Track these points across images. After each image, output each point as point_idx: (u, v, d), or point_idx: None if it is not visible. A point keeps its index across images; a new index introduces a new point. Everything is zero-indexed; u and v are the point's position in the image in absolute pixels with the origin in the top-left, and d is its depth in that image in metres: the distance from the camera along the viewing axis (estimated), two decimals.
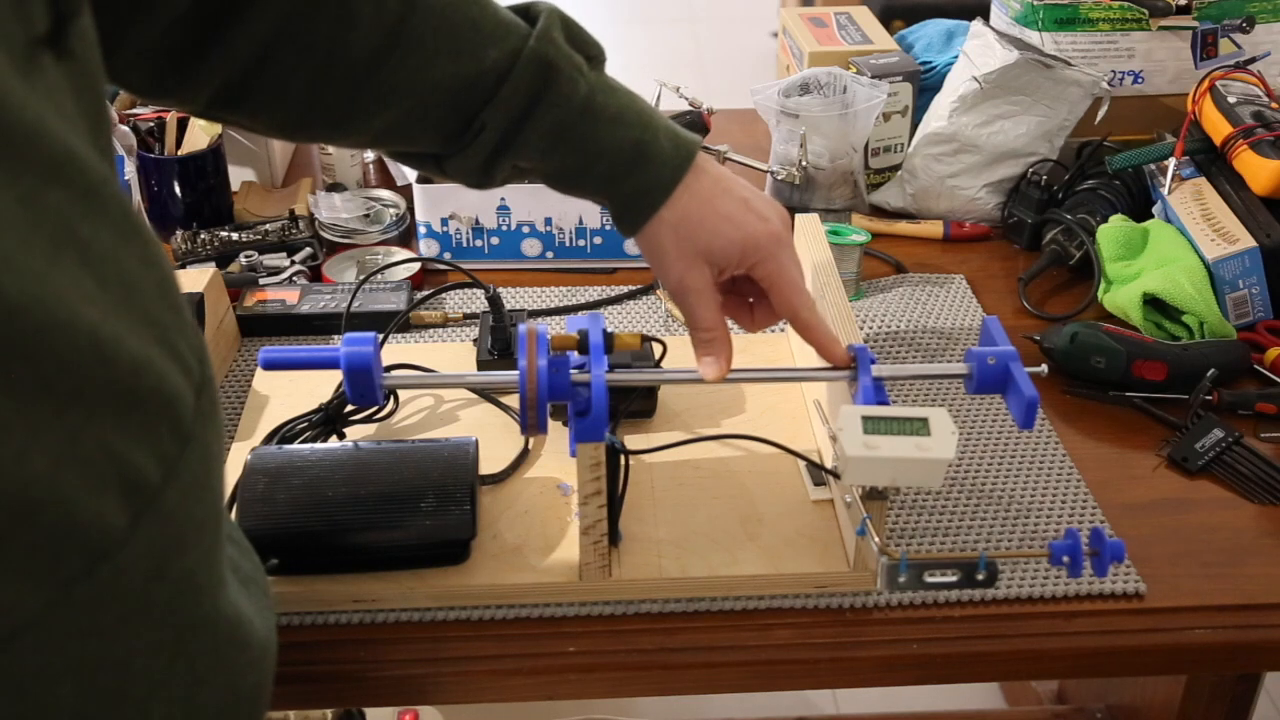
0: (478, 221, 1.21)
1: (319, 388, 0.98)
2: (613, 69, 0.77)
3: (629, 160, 0.75)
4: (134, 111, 1.31)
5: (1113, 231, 1.14)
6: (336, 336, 1.08)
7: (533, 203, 1.20)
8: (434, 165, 0.78)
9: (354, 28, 0.69)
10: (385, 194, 1.32)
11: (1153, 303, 1.08)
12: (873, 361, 0.80)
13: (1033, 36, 1.29)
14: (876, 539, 0.74)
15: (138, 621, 0.49)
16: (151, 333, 0.48)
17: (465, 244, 1.22)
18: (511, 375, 0.76)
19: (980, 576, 0.72)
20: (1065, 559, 0.75)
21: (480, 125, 0.73)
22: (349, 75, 0.70)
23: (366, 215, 1.28)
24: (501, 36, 0.72)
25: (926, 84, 1.37)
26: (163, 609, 0.50)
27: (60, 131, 0.43)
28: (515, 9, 0.75)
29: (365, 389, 0.76)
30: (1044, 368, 0.84)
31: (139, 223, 0.48)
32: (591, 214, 1.21)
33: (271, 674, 0.61)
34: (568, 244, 1.22)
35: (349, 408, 0.96)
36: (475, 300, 1.17)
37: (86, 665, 0.47)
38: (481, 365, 1.04)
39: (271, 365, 0.78)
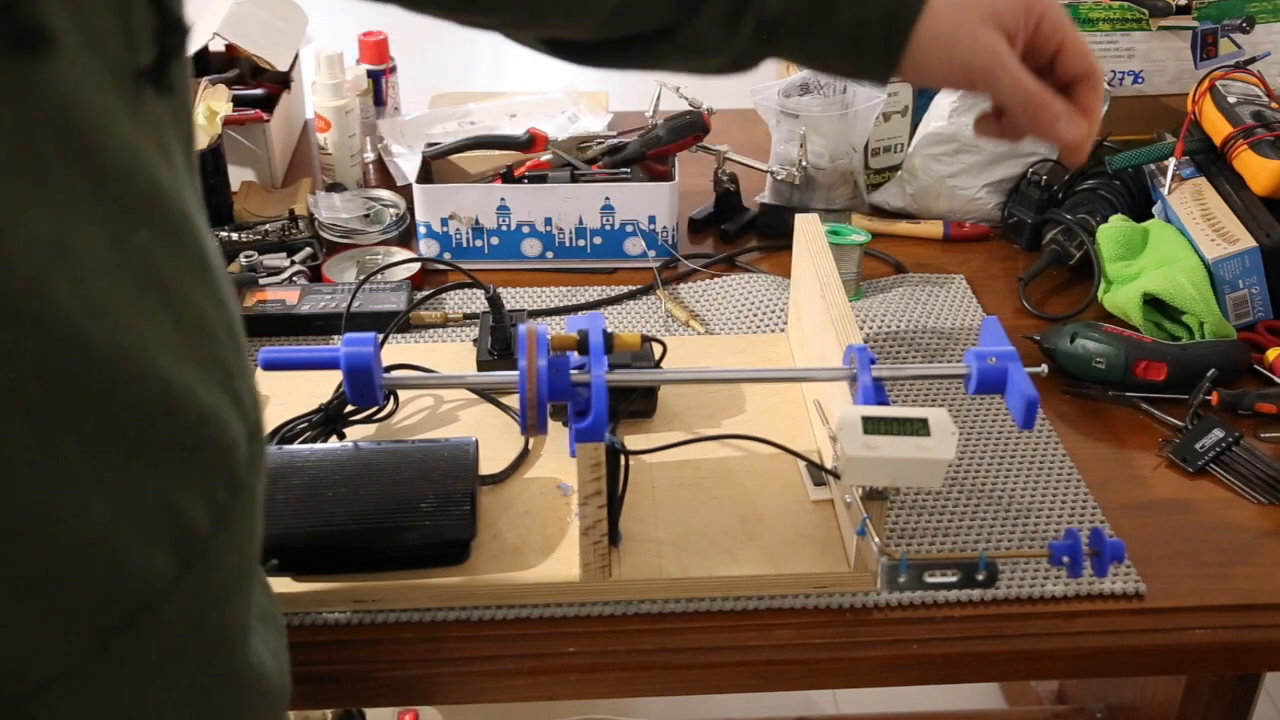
0: (478, 221, 1.21)
1: (319, 388, 0.98)
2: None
3: None
4: None
5: (1113, 231, 1.14)
6: (336, 336, 1.08)
7: (533, 203, 1.20)
8: (664, 45, 0.72)
9: None
10: (385, 194, 1.32)
11: (1153, 303, 1.08)
12: (873, 361, 0.80)
13: None
14: (876, 539, 0.74)
15: (171, 673, 0.48)
16: (218, 378, 0.47)
17: (465, 244, 1.22)
18: (511, 375, 0.76)
19: (980, 576, 0.72)
20: (1065, 559, 0.75)
21: None
22: None
23: (366, 215, 1.28)
24: None
25: None
26: (196, 661, 0.49)
27: (153, 170, 0.43)
28: None
29: (365, 389, 0.76)
30: (1044, 368, 0.84)
31: (215, 262, 0.48)
32: (591, 214, 1.21)
33: (285, 718, 0.61)
34: (568, 244, 1.22)
35: (349, 408, 0.96)
36: (475, 300, 1.17)
37: (115, 716, 0.46)
38: (481, 365, 1.04)
39: (271, 365, 0.78)
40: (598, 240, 1.22)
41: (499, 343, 1.04)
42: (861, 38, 0.72)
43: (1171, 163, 1.18)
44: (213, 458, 0.47)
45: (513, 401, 1.00)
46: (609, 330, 0.79)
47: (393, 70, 1.53)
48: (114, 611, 0.44)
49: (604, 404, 0.75)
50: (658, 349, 1.01)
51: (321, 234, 1.25)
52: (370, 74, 1.50)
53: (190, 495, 0.46)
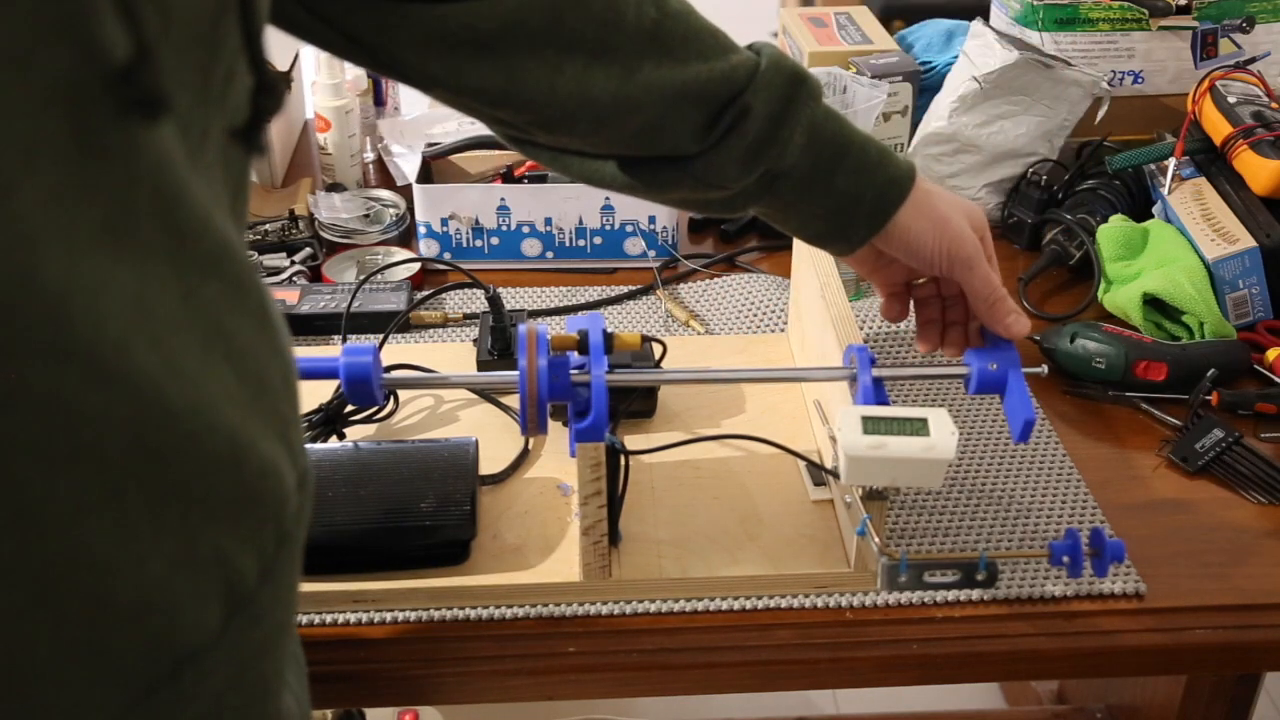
0: (478, 221, 1.21)
1: (319, 388, 0.98)
2: None
3: (878, 150, 0.77)
4: None
5: (1113, 231, 1.14)
6: (336, 337, 1.08)
7: (533, 203, 1.20)
8: (676, 171, 0.76)
9: (619, 28, 0.70)
10: (385, 194, 1.32)
11: (1153, 303, 1.08)
12: (873, 361, 0.80)
13: (1033, 36, 1.29)
14: (876, 539, 0.74)
15: None
16: (276, 429, 0.47)
17: (465, 244, 1.22)
18: (511, 375, 0.76)
19: (980, 576, 0.72)
20: (1065, 559, 0.75)
21: (738, 113, 0.73)
22: (613, 73, 0.71)
23: (366, 215, 1.28)
24: (736, 48, 0.75)
25: (926, 84, 1.37)
26: (232, 712, 0.48)
27: (222, 223, 0.42)
28: None
29: (365, 398, 0.76)
30: (1044, 368, 0.84)
31: (273, 310, 0.48)
32: (591, 214, 1.21)
33: None
34: (568, 244, 1.22)
35: (349, 408, 0.96)
36: (475, 300, 1.17)
37: None
38: (481, 365, 1.04)
39: None
40: (598, 240, 1.22)
41: (499, 343, 1.04)
42: (850, 209, 0.78)
43: (1171, 163, 1.18)
44: (267, 510, 0.47)
45: (513, 401, 1.00)
46: (609, 330, 0.79)
47: None
48: (160, 663, 0.43)
49: (604, 404, 0.75)
50: (658, 349, 1.01)
51: (321, 234, 1.25)
52: (370, 74, 1.50)
53: (242, 547, 0.46)
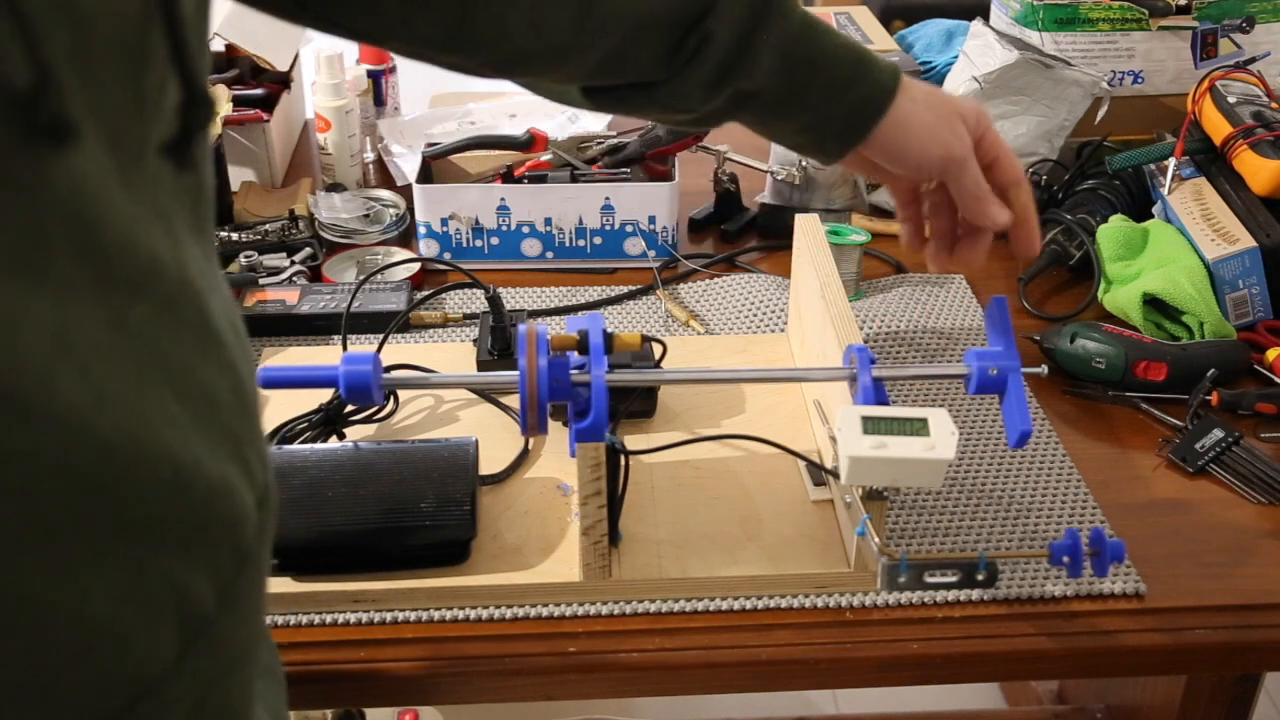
0: (478, 221, 1.21)
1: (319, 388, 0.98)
2: None
3: (853, 65, 0.76)
4: None
5: (1113, 231, 1.14)
6: (336, 337, 1.08)
7: (533, 203, 1.20)
8: (642, 97, 0.75)
9: None
10: (385, 194, 1.32)
11: (1153, 303, 1.08)
12: (873, 361, 0.80)
13: (1033, 36, 1.29)
14: (876, 539, 0.74)
15: None
16: (225, 448, 0.45)
17: (465, 244, 1.22)
18: (511, 375, 0.76)
19: (980, 576, 0.72)
20: (1065, 559, 0.75)
21: (701, 38, 0.71)
22: (568, 5, 0.69)
23: (366, 215, 1.28)
24: None
25: None
26: None
27: (152, 241, 0.40)
28: None
29: (365, 402, 0.76)
30: (1044, 368, 0.84)
31: (219, 325, 0.45)
32: (591, 214, 1.21)
33: None
34: (568, 244, 1.22)
35: (349, 408, 0.96)
36: (475, 300, 1.17)
37: None
38: (481, 365, 1.04)
39: (269, 384, 0.78)
40: (598, 240, 1.22)
41: (499, 343, 1.04)
42: (822, 125, 0.78)
43: (1171, 163, 1.18)
44: (220, 533, 0.45)
45: (513, 401, 1.00)
46: (609, 330, 0.79)
47: (393, 70, 1.53)
48: (113, 697, 0.41)
49: (604, 404, 0.75)
50: (658, 349, 1.01)
51: (321, 234, 1.25)
52: (370, 74, 1.50)
53: (196, 573, 0.44)
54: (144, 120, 0.39)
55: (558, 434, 0.93)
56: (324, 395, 0.97)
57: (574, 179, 1.23)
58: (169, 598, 0.43)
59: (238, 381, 0.46)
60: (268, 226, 1.24)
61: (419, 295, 1.14)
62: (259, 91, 1.44)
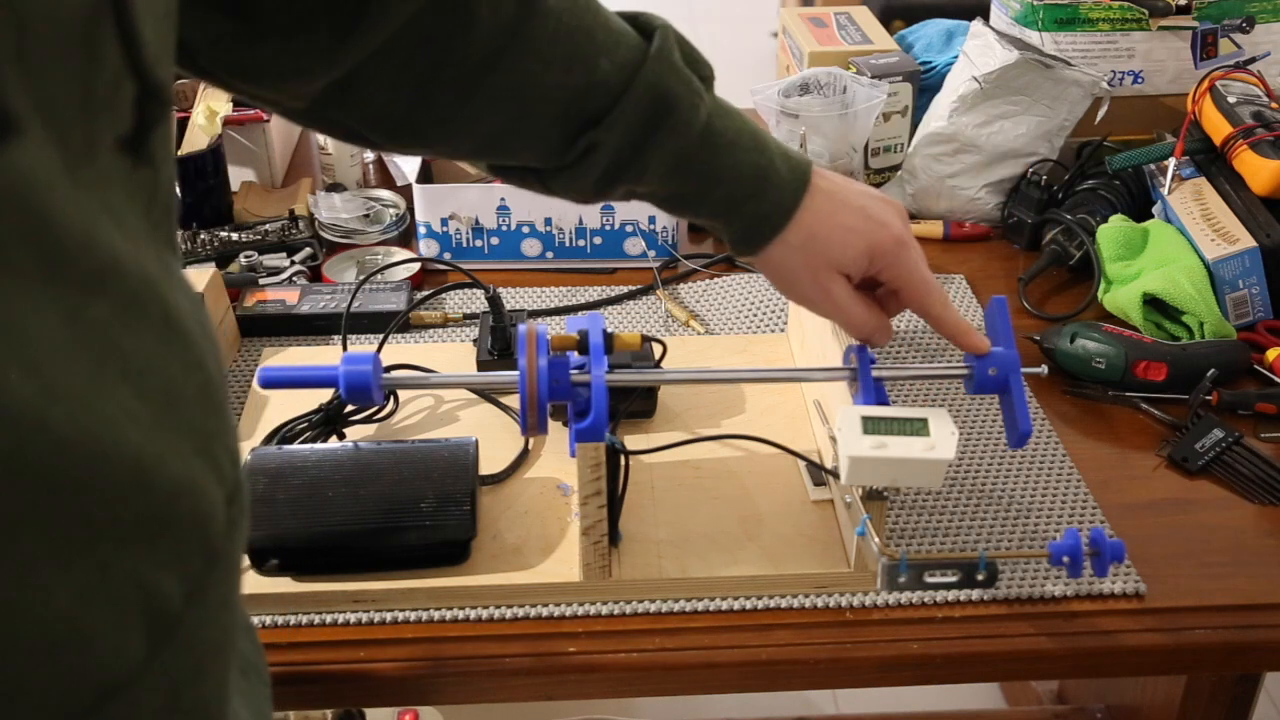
0: (478, 221, 1.21)
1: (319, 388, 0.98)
2: None
3: (750, 185, 0.75)
4: None
5: (1113, 231, 1.14)
6: (336, 337, 1.08)
7: (533, 203, 1.20)
8: (536, 181, 0.76)
9: (471, 28, 0.67)
10: (385, 194, 1.32)
11: (1153, 303, 1.08)
12: (873, 362, 0.80)
13: (1033, 36, 1.29)
14: (876, 539, 0.74)
15: None
16: (192, 444, 0.45)
17: (465, 244, 1.22)
18: (511, 375, 0.76)
19: (980, 576, 0.72)
20: (1065, 559, 0.75)
21: (590, 144, 0.71)
22: (460, 76, 0.69)
23: (366, 215, 1.28)
24: (613, 46, 0.70)
25: (926, 84, 1.37)
26: None
27: (109, 238, 0.40)
28: (625, 16, 0.73)
29: (364, 402, 0.76)
30: (1044, 368, 0.84)
31: (186, 323, 0.45)
32: (591, 214, 1.21)
33: None
34: (568, 244, 1.22)
35: (349, 408, 0.96)
36: (475, 300, 1.17)
37: None
38: (481, 365, 1.04)
39: (269, 384, 0.78)
40: (598, 240, 1.22)
41: (499, 343, 1.04)
42: (724, 230, 0.79)
43: (1171, 163, 1.18)
44: (186, 530, 0.45)
45: (513, 401, 1.00)
46: (609, 330, 0.79)
47: None
48: (79, 699, 0.41)
49: (604, 404, 0.75)
50: (658, 349, 1.01)
51: (321, 234, 1.25)
52: None
53: (162, 571, 0.43)
54: (94, 115, 0.39)
55: (558, 434, 0.93)
56: (324, 395, 0.97)
57: None
58: (135, 596, 0.42)
59: (205, 379, 0.46)
60: (268, 226, 1.24)
61: (419, 295, 1.14)
62: None
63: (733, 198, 0.75)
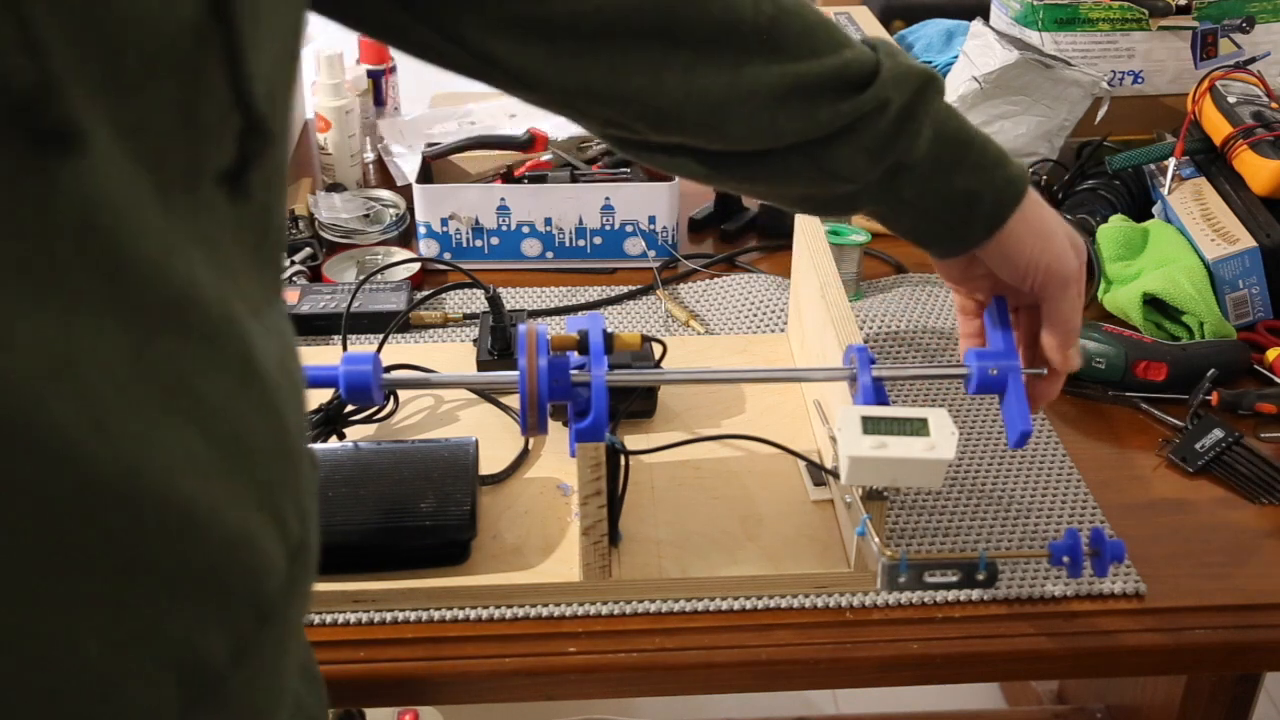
0: (478, 221, 1.21)
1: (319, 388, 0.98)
2: None
3: (997, 150, 0.76)
4: None
5: (1113, 231, 1.14)
6: (336, 337, 1.08)
7: (533, 203, 1.20)
8: (801, 158, 0.73)
9: (736, 25, 0.69)
10: (385, 194, 1.32)
11: (1153, 303, 1.08)
12: (873, 361, 0.80)
13: (1033, 36, 1.29)
14: (876, 539, 0.74)
15: None
16: (255, 495, 0.43)
17: (465, 244, 1.22)
18: (511, 375, 0.76)
19: (980, 576, 0.72)
20: (1065, 559, 0.75)
21: (880, 101, 0.71)
22: (723, 68, 0.69)
23: (366, 215, 1.28)
24: (850, 42, 0.72)
25: None
26: None
27: (187, 269, 0.38)
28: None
29: (365, 402, 0.76)
30: (1044, 368, 0.84)
31: (262, 367, 0.43)
32: (591, 214, 1.21)
33: None
34: (568, 244, 1.22)
35: (349, 408, 0.96)
36: (475, 300, 1.17)
37: None
38: (481, 365, 1.04)
39: None
40: (598, 240, 1.22)
41: (499, 343, 1.04)
42: (969, 206, 0.75)
43: (1171, 163, 1.18)
44: (240, 585, 0.43)
45: (513, 401, 1.00)
46: (609, 330, 0.79)
47: (393, 70, 1.53)
48: None
49: (604, 404, 0.75)
50: (658, 349, 1.01)
51: (321, 234, 1.25)
52: (370, 74, 1.50)
53: (207, 627, 0.41)
54: (197, 144, 0.38)
55: (558, 434, 0.93)
56: (324, 395, 0.97)
57: (574, 179, 1.23)
58: (171, 652, 0.40)
59: (280, 428, 0.44)
60: None
61: (419, 295, 1.14)
62: None
63: (985, 161, 0.75)
